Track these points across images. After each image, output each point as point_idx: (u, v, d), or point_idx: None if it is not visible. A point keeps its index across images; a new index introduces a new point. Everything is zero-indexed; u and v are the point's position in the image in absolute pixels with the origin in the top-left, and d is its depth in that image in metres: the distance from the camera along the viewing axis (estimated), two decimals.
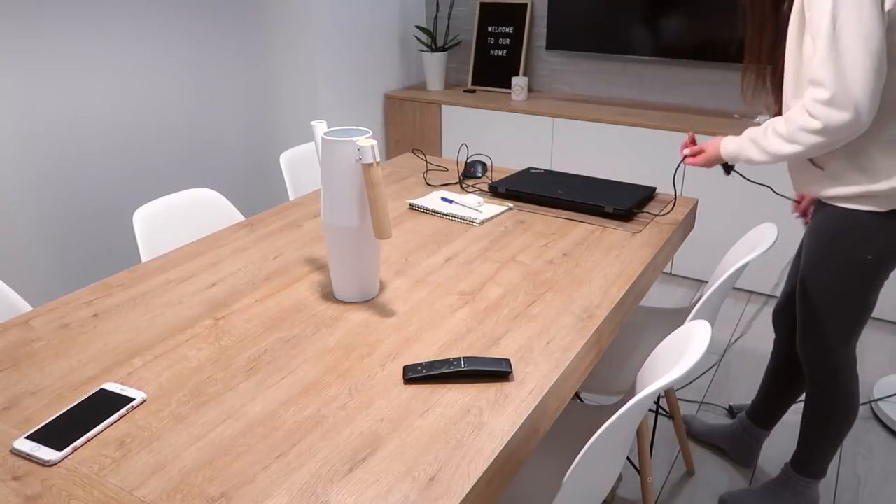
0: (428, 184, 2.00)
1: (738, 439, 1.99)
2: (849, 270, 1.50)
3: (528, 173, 1.97)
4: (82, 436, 0.94)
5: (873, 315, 2.76)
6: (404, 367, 1.09)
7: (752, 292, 3.02)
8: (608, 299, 1.32)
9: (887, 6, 1.26)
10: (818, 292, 1.57)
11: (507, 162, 3.37)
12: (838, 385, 1.63)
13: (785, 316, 1.81)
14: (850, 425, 1.67)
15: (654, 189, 1.86)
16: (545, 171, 1.99)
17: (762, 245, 1.41)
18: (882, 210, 1.43)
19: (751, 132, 1.49)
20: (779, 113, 1.60)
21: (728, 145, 1.55)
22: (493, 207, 1.78)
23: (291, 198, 2.09)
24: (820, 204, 1.55)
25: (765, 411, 1.93)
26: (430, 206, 1.77)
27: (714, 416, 2.22)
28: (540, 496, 1.23)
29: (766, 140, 1.44)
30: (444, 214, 1.74)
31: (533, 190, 1.83)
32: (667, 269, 3.17)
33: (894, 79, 1.33)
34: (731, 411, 2.20)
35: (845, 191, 1.44)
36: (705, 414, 2.22)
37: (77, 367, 1.11)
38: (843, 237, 1.48)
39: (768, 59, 1.56)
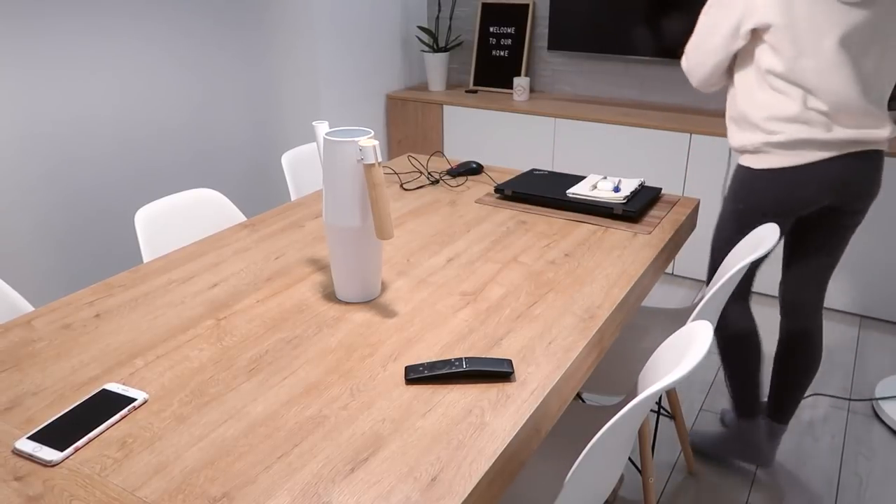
0: (403, 188, 2.00)
1: (749, 441, 1.96)
2: (725, 212, 1.78)
3: (531, 175, 1.97)
4: (84, 436, 0.94)
5: (874, 315, 2.76)
6: (406, 368, 1.09)
7: (753, 293, 3.01)
8: (610, 300, 1.32)
9: (749, 25, 1.55)
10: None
11: (508, 162, 3.37)
12: (725, 325, 1.86)
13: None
14: (751, 359, 1.87)
15: (660, 190, 1.85)
16: (549, 172, 1.99)
17: (764, 245, 1.41)
18: (753, 167, 1.67)
19: None
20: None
21: None
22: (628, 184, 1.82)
23: (293, 198, 2.09)
24: None
25: (776, 404, 1.95)
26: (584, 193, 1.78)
27: (716, 416, 2.21)
28: (542, 497, 1.23)
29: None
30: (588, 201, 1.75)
31: (540, 192, 1.82)
32: (668, 270, 3.17)
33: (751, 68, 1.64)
34: (724, 420, 2.18)
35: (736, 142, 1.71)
36: (706, 415, 2.22)
37: (79, 368, 1.11)
38: (733, 186, 1.76)
39: None
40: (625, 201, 1.72)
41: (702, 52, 1.67)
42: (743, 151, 1.68)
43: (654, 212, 1.76)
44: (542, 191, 1.82)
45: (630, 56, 3.21)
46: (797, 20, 1.51)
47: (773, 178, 1.63)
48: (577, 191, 1.78)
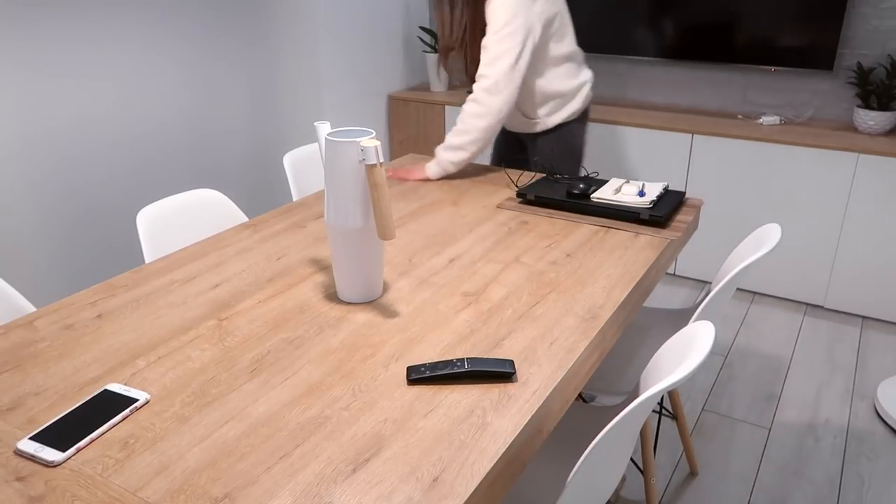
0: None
1: None
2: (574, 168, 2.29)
3: (548, 179, 1.94)
4: (86, 436, 0.94)
5: (875, 316, 2.75)
6: (408, 368, 1.09)
7: (755, 293, 3.01)
8: (612, 300, 1.32)
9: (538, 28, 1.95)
10: None
11: None
12: None
13: None
14: None
15: (684, 193, 1.82)
16: (565, 175, 1.97)
17: (766, 245, 1.41)
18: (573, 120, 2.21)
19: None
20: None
21: (431, 165, 2.04)
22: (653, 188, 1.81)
23: (295, 199, 2.09)
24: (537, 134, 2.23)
25: None
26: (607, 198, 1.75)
27: (718, 416, 2.21)
28: (544, 497, 1.23)
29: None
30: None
31: (562, 196, 1.78)
32: (671, 270, 3.17)
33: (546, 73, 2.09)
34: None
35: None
36: (708, 416, 2.22)
37: (81, 368, 1.11)
38: (576, 143, 2.27)
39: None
40: (651, 206, 1.70)
41: (514, 78, 1.92)
42: (570, 121, 2.18)
43: (680, 217, 1.74)
44: (564, 195, 1.79)
45: (631, 56, 3.20)
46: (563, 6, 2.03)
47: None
48: (602, 195, 1.76)
